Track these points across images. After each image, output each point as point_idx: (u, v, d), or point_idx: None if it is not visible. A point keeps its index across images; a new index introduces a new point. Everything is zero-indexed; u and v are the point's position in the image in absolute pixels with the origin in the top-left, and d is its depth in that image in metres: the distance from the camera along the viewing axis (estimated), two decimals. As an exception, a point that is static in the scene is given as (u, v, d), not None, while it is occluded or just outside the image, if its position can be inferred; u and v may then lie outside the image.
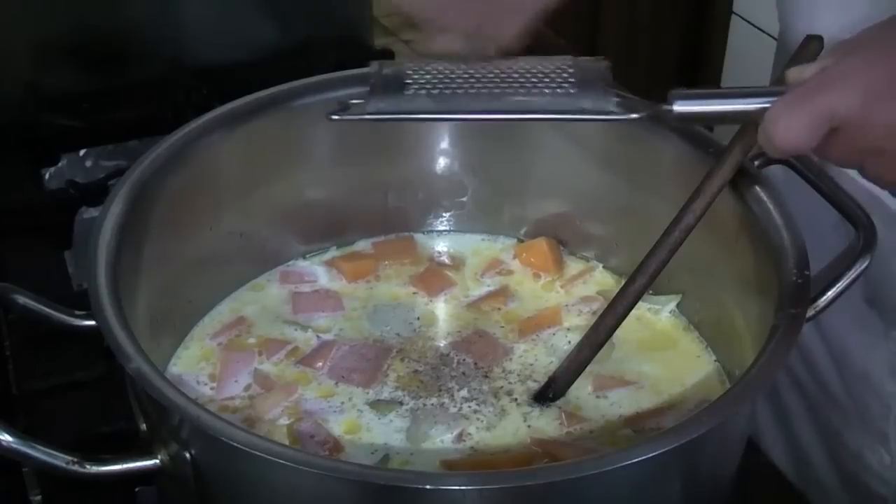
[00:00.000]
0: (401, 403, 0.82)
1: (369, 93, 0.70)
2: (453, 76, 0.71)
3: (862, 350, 0.96)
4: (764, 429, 1.07)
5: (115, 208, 0.78)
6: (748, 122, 0.72)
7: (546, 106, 0.70)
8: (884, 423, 0.95)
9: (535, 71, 0.71)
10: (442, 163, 0.97)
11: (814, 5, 0.88)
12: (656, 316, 0.90)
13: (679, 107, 0.69)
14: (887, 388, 0.94)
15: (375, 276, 0.95)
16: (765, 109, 0.67)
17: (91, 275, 0.73)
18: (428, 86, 0.69)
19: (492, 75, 0.71)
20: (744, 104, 0.69)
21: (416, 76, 0.71)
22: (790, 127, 0.66)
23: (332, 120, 0.70)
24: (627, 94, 0.73)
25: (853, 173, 0.71)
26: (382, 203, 0.97)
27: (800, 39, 0.77)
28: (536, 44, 0.75)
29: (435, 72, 0.71)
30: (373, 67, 0.72)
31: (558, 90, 0.70)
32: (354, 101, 0.70)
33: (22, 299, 0.75)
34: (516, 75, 0.71)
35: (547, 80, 0.70)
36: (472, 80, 0.70)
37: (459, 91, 0.69)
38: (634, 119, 0.71)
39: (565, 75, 0.70)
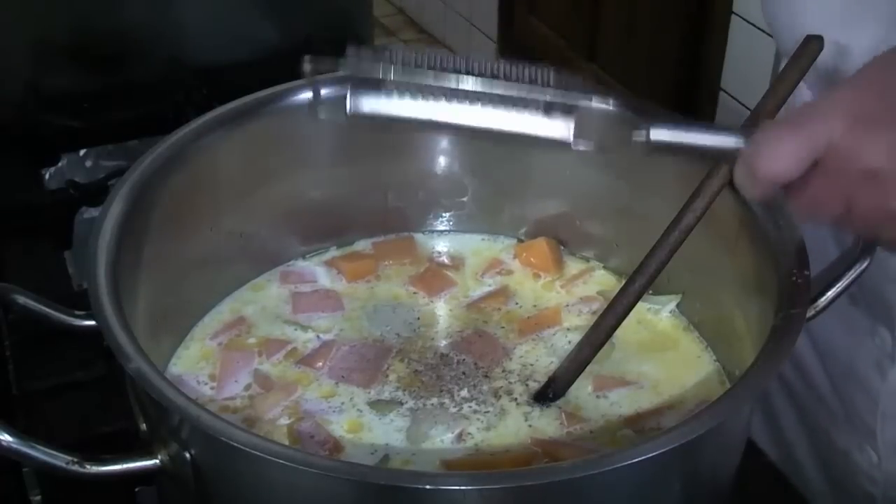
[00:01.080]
0: (401, 403, 0.82)
1: (350, 88, 0.69)
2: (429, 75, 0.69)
3: (847, 346, 0.96)
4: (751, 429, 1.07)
5: (115, 208, 0.78)
6: (724, 156, 0.71)
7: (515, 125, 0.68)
8: (871, 418, 0.95)
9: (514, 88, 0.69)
10: (442, 163, 0.97)
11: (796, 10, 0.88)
12: (656, 316, 0.90)
13: (655, 135, 0.68)
14: (873, 382, 0.94)
15: (375, 276, 0.95)
16: (742, 145, 0.66)
17: (91, 275, 0.73)
18: (406, 84, 0.68)
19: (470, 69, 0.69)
20: (722, 138, 0.68)
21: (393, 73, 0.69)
22: (774, 155, 0.64)
23: (321, 119, 0.69)
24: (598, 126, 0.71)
25: None
26: (382, 203, 0.97)
27: (789, 42, 0.77)
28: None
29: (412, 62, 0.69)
30: (350, 55, 0.69)
31: (534, 103, 0.68)
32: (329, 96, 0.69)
33: (22, 299, 0.75)
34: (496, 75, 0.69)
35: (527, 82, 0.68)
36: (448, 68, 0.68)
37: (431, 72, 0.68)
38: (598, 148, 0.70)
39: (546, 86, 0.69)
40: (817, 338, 0.98)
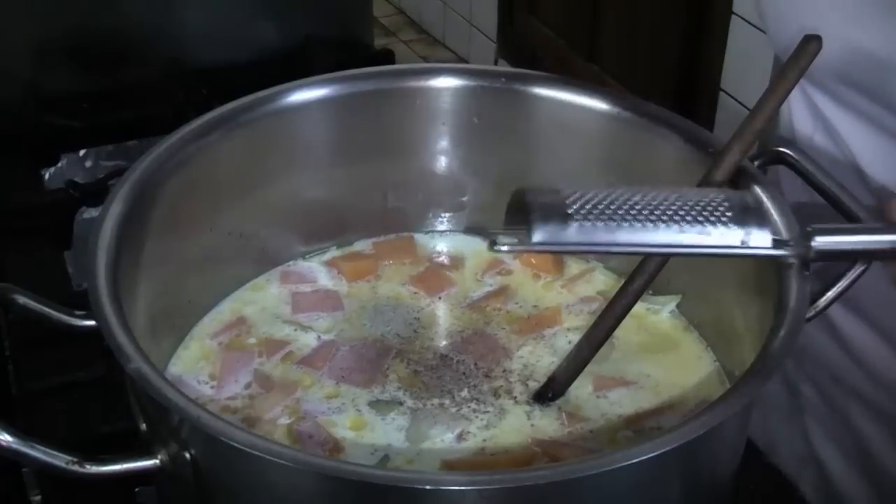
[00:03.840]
0: (401, 403, 0.82)
1: (531, 220, 0.67)
2: (613, 205, 0.68)
3: None
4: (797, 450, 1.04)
5: (115, 208, 0.78)
6: (889, 258, 0.73)
7: (701, 240, 0.68)
8: None
9: (691, 203, 0.69)
10: (442, 163, 0.97)
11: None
12: (656, 316, 0.90)
13: (818, 244, 0.70)
14: None
15: (375, 276, 0.95)
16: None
17: (91, 275, 0.73)
18: (590, 216, 0.67)
19: (650, 205, 0.68)
20: (886, 238, 0.70)
21: (576, 205, 0.68)
22: None
23: (497, 251, 0.68)
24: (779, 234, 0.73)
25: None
26: (382, 203, 0.97)
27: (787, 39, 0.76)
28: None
29: (595, 200, 0.68)
30: (531, 196, 0.69)
31: (714, 223, 0.68)
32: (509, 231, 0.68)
33: (22, 299, 0.75)
34: (673, 206, 0.69)
35: (702, 211, 0.68)
36: (632, 210, 0.68)
37: (619, 219, 0.67)
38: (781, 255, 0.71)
39: (720, 209, 0.68)
40: (886, 329, 0.94)
